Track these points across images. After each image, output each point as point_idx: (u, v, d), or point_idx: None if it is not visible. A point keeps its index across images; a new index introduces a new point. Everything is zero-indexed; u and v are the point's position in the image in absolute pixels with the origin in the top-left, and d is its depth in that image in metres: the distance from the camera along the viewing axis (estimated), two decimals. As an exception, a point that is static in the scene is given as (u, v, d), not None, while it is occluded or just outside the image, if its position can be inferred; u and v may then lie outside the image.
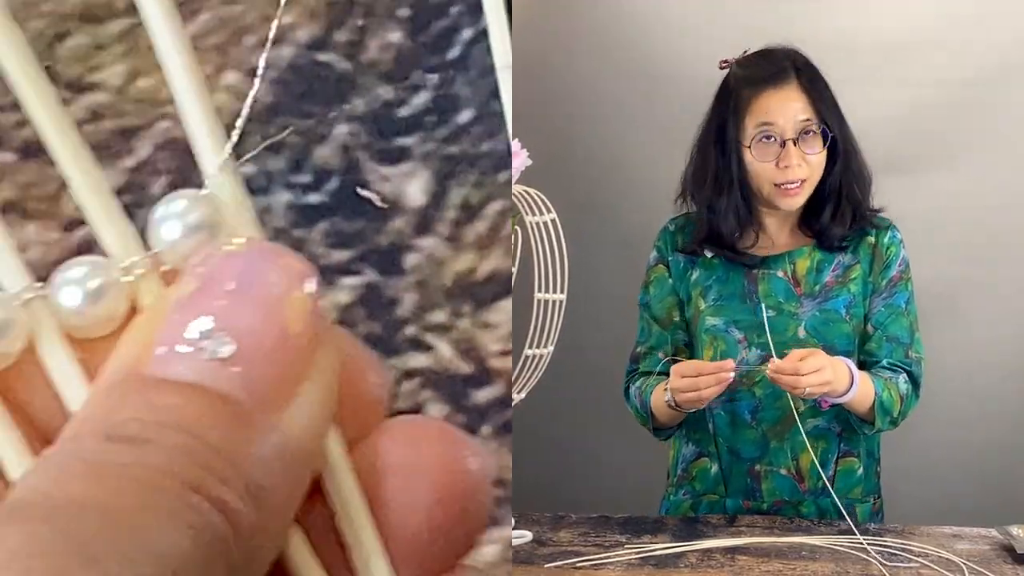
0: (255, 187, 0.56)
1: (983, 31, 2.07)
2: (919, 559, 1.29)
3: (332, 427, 0.36)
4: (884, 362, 1.55)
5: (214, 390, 0.33)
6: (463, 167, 0.55)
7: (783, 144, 1.51)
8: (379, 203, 0.56)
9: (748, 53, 1.60)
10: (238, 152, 0.39)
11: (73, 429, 0.33)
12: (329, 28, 0.57)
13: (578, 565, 1.28)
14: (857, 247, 1.59)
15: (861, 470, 1.59)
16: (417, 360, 0.55)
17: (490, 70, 0.62)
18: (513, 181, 1.27)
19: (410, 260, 0.55)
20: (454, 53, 0.56)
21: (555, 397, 1.51)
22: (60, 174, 0.36)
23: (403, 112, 0.56)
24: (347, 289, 0.55)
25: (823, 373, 1.41)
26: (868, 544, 1.34)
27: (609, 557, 1.31)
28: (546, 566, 1.28)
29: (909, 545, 1.34)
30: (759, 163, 1.53)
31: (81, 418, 0.33)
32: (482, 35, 0.56)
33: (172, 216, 0.38)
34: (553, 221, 1.32)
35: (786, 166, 1.51)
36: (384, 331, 0.55)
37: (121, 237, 0.38)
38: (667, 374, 1.57)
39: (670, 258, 1.63)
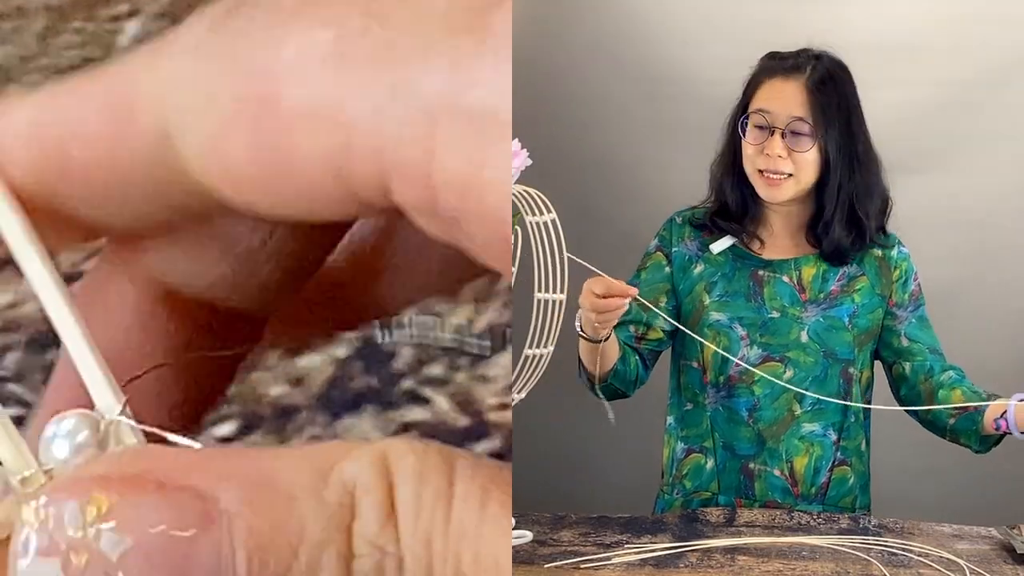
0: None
1: (983, 31, 2.06)
2: (919, 558, 1.30)
3: None
4: (945, 372, 1.58)
5: None
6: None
7: (772, 133, 1.52)
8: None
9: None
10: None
11: None
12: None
13: (578, 565, 1.29)
14: (862, 259, 1.60)
15: (853, 479, 1.59)
16: (414, 413, 0.55)
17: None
18: (513, 181, 1.26)
19: (408, 314, 0.55)
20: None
21: (555, 397, 1.51)
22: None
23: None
24: (345, 343, 0.55)
25: None
26: (868, 544, 1.35)
27: (609, 557, 1.31)
28: (546, 566, 1.28)
29: (909, 545, 1.34)
30: (748, 145, 1.55)
31: None
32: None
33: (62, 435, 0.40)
34: (553, 221, 1.31)
35: (767, 154, 1.52)
36: (382, 384, 0.55)
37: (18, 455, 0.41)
38: (630, 347, 1.57)
39: (674, 249, 1.63)
